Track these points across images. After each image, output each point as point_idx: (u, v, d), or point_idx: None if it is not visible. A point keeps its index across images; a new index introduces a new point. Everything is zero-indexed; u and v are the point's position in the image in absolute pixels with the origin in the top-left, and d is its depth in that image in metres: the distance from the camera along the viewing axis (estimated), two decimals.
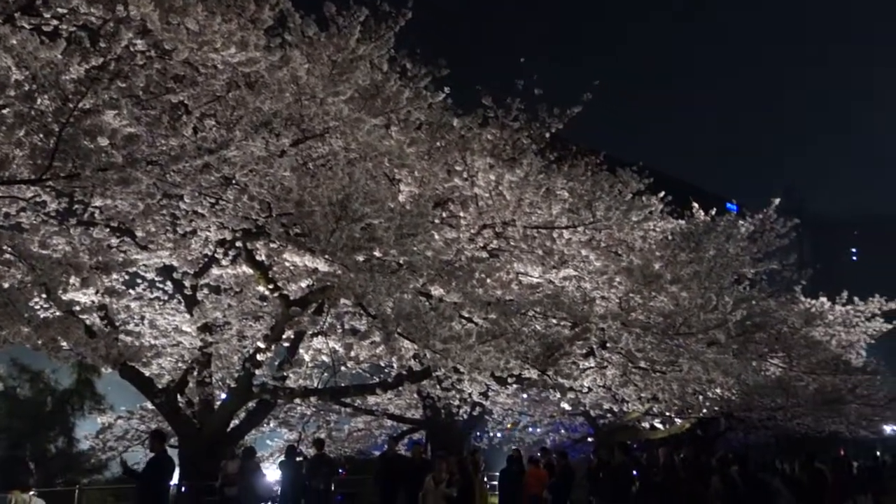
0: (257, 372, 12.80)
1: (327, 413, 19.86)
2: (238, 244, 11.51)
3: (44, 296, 9.69)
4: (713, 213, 18.34)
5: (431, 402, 18.53)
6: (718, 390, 15.56)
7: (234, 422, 13.68)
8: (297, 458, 14.36)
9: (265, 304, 13.91)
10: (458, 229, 12.06)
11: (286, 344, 13.04)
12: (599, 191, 12.49)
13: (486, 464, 18.06)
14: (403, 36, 10.67)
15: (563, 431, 27.54)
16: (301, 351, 13.13)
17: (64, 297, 9.47)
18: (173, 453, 11.77)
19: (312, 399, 15.76)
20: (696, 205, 18.69)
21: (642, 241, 13.86)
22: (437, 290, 10.85)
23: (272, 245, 10.31)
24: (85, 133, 7.25)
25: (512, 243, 12.45)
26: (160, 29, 7.89)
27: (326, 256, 9.53)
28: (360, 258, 9.67)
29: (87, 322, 11.01)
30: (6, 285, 7.77)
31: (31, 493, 11.97)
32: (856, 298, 22.19)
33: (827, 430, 24.51)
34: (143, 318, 14.51)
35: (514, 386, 16.22)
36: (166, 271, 13.06)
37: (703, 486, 13.47)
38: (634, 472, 14.41)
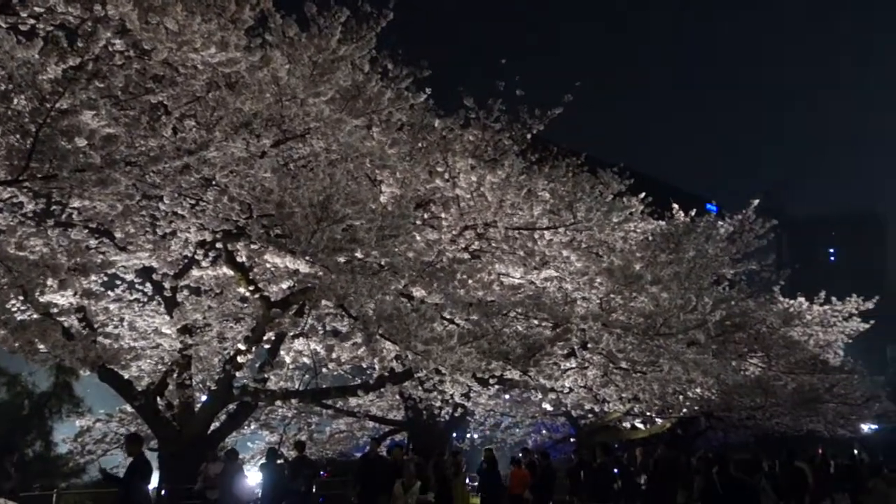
0: (238, 374, 12.74)
1: (309, 415, 19.75)
2: (218, 245, 11.46)
3: (21, 298, 9.62)
4: (693, 213, 18.49)
5: (413, 403, 18.51)
6: (698, 390, 15.67)
7: (215, 424, 13.59)
8: (279, 461, 14.28)
9: (246, 305, 13.85)
10: (440, 230, 12.07)
11: (267, 346, 12.99)
12: (580, 192, 12.55)
13: (468, 465, 18.08)
14: (385, 36, 10.66)
15: (544, 432, 27.62)
16: (282, 353, 13.07)
17: (41, 299, 9.40)
18: (153, 456, 11.67)
19: (294, 401, 15.69)
20: (676, 205, 18.83)
21: (623, 241, 13.95)
22: (418, 292, 10.86)
23: (253, 246, 10.27)
24: (62, 133, 7.19)
25: (493, 244, 12.48)
26: (139, 28, 7.84)
27: (307, 258, 9.51)
28: (342, 259, 9.65)
29: (65, 324, 10.92)
30: None
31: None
32: (833, 298, 22.45)
33: (805, 428, 24.75)
34: (122, 320, 14.37)
35: (496, 387, 16.27)
36: (146, 273, 12.95)
37: (682, 486, 13.60)
38: (615, 472, 14.51)
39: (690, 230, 16.01)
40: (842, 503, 18.95)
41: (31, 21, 7.78)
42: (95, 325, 12.53)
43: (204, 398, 13.63)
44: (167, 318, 13.40)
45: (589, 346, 12.30)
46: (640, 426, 22.02)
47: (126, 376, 12.95)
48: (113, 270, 11.98)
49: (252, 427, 18.75)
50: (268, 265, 10.94)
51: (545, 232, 12.35)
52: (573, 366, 12.79)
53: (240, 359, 11.88)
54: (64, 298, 10.12)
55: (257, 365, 12.53)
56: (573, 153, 14.02)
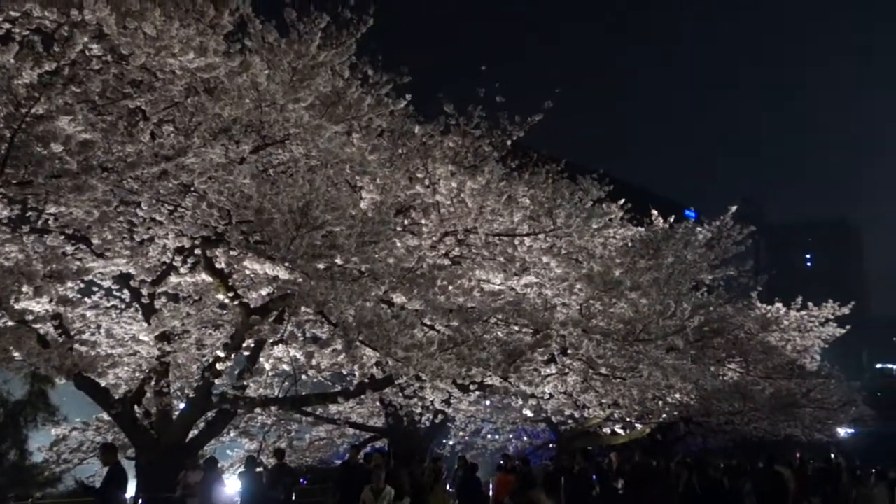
0: (217, 381, 12.63)
1: (288, 422, 19.64)
2: (197, 252, 11.36)
3: None
4: (672, 220, 18.63)
5: (393, 409, 18.46)
6: (677, 395, 15.76)
7: (193, 432, 13.45)
8: (258, 469, 14.19)
9: (225, 312, 13.74)
10: (420, 237, 12.06)
11: (246, 353, 12.88)
12: (560, 198, 12.59)
13: (449, 472, 18.03)
14: (365, 43, 10.65)
15: (525, 438, 27.62)
16: (261, 360, 12.98)
17: (16, 307, 9.26)
18: (130, 465, 11.55)
19: (273, 408, 15.60)
20: (655, 212, 18.96)
21: (602, 248, 14.03)
22: (398, 298, 10.84)
23: (232, 253, 10.21)
24: (38, 139, 7.12)
25: (474, 250, 12.49)
26: (116, 33, 7.78)
27: (287, 264, 9.47)
28: (321, 266, 9.62)
29: (41, 332, 10.77)
30: None
31: None
32: (810, 304, 22.69)
33: (783, 433, 25.01)
34: (99, 327, 14.20)
35: (477, 393, 16.26)
36: (123, 279, 12.81)
37: (659, 489, 13.68)
38: (594, 477, 14.56)
39: (669, 236, 16.13)
40: None
41: (7, 25, 7.69)
42: (72, 333, 12.37)
43: (182, 406, 13.49)
44: (145, 325, 13.25)
45: (569, 352, 12.33)
46: (620, 431, 22.14)
47: (103, 384, 12.79)
48: (90, 277, 11.84)
49: (231, 435, 18.60)
50: (247, 272, 10.86)
51: (525, 238, 12.38)
52: (553, 372, 12.81)
53: (219, 366, 11.78)
54: (39, 305, 9.97)
55: (236, 372, 12.43)
56: (553, 159, 14.09)
